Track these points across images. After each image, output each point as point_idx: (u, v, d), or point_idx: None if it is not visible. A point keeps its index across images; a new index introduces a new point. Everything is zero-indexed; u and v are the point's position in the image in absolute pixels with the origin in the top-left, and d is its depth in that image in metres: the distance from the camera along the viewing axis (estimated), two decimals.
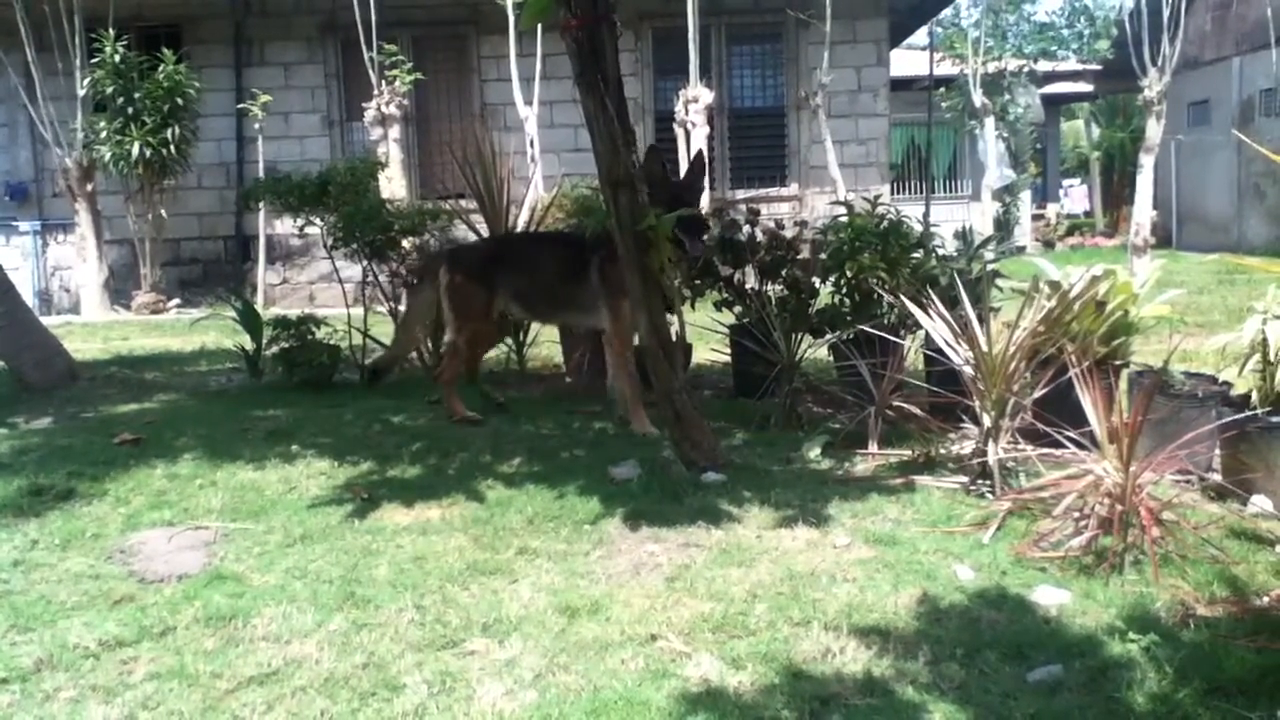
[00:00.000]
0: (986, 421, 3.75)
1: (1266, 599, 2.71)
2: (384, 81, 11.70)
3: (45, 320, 8.06)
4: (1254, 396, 3.67)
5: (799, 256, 5.38)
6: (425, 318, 5.49)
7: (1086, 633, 2.55)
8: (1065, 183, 26.31)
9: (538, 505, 3.65)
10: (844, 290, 5.17)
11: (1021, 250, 16.05)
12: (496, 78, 12.68)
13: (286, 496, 3.87)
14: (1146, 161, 11.67)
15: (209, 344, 8.22)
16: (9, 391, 6.01)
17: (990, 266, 5.04)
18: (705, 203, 5.59)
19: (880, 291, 4.89)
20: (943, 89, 18.39)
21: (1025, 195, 19.07)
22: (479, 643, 2.58)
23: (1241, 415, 3.60)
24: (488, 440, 4.65)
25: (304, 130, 13.00)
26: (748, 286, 5.48)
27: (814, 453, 4.26)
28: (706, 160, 4.83)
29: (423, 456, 4.41)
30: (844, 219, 5.30)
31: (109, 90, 11.36)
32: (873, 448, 4.30)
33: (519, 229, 6.60)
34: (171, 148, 11.47)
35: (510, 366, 6.47)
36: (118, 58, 11.29)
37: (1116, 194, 23.46)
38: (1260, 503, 3.47)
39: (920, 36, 18.15)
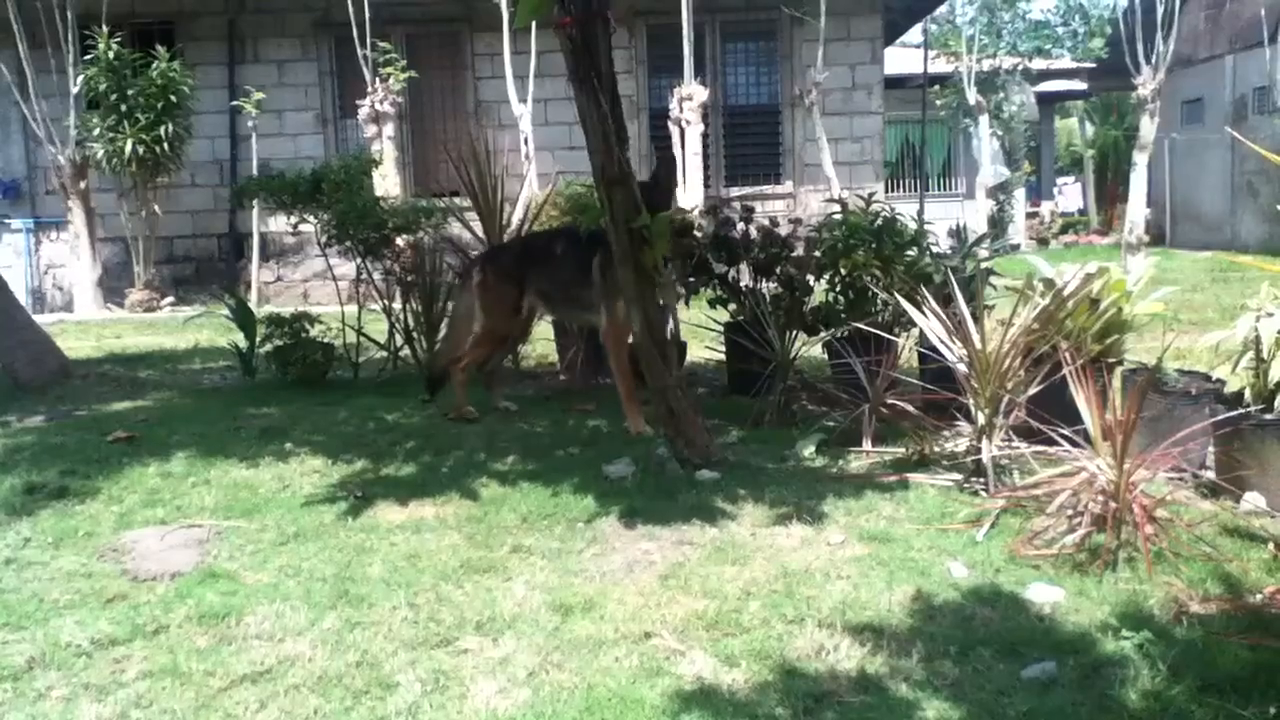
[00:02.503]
0: (980, 419, 3.75)
1: (1260, 596, 2.72)
2: (378, 79, 11.69)
3: (38, 318, 8.04)
4: (1247, 394, 3.67)
5: (793, 254, 5.38)
6: (471, 317, 5.34)
7: (1080, 630, 2.55)
8: (1059, 181, 26.35)
9: (532, 503, 3.65)
10: (838, 288, 5.18)
11: (1016, 248, 16.07)
12: (491, 75, 12.67)
13: (280, 495, 3.87)
14: (1140, 159, 11.72)
15: (202, 342, 8.21)
16: (1, 389, 5.99)
17: (984, 264, 5.05)
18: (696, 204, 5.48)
19: (874, 289, 4.90)
20: (937, 87, 18.41)
21: (1019, 193, 19.11)
22: (472, 641, 2.58)
23: (1235, 413, 3.60)
24: (482, 438, 4.64)
25: (298, 128, 12.98)
26: (742, 284, 5.48)
27: (808, 450, 4.26)
28: (676, 161, 4.67)
29: (416, 455, 4.40)
30: (838, 216, 5.30)
31: (102, 87, 11.32)
32: (867, 445, 4.30)
33: (514, 227, 6.59)
34: (165, 145, 11.44)
35: (504, 365, 6.46)
36: (111, 55, 11.26)
37: (1110, 192, 23.49)
38: (1254, 500, 3.47)
39: (915, 34, 18.18)
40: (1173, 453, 3.33)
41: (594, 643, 2.54)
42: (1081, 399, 3.36)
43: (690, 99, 11.59)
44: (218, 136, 12.92)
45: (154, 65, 11.38)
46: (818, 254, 5.22)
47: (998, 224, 16.98)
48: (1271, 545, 3.08)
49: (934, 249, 5.25)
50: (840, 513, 3.47)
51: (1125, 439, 3.10)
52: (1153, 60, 11.49)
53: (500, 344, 5.42)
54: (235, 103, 12.43)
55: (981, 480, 3.69)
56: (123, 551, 3.28)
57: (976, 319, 3.86)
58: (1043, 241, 19.38)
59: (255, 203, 7.99)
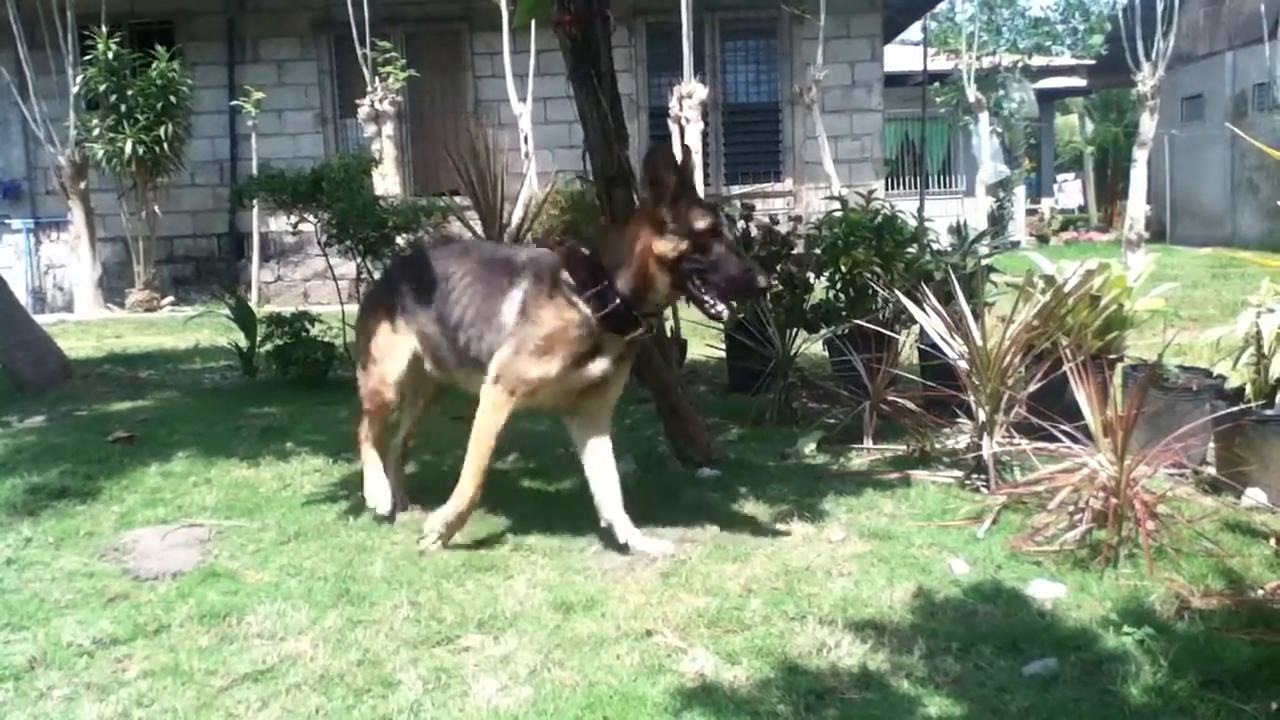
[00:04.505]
0: (981, 416, 3.75)
1: (1261, 591, 2.71)
2: (377, 78, 11.69)
3: (39, 318, 8.04)
4: (1248, 390, 3.67)
5: (794, 252, 5.38)
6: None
7: (1081, 626, 2.55)
8: (1059, 177, 26.35)
9: (533, 501, 3.65)
10: (839, 285, 5.18)
11: (1016, 245, 16.04)
12: (490, 74, 12.67)
13: (281, 494, 3.87)
14: (1140, 156, 11.72)
15: (203, 342, 8.21)
16: (2, 390, 5.99)
17: (984, 261, 5.04)
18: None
19: (875, 286, 4.90)
20: (937, 84, 18.40)
21: (1019, 190, 19.10)
22: (474, 639, 2.57)
23: (1236, 409, 3.60)
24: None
25: (297, 127, 12.98)
26: None
27: (809, 448, 4.26)
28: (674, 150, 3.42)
29: (417, 454, 4.40)
30: (838, 214, 5.30)
31: (102, 88, 11.34)
32: (868, 442, 4.30)
33: (514, 226, 6.59)
34: (165, 145, 11.46)
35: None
36: (110, 55, 11.27)
37: (1111, 189, 23.49)
38: (1255, 495, 3.47)
39: (914, 32, 18.17)
40: (1174, 449, 3.33)
41: (595, 640, 2.53)
42: (1082, 395, 3.35)
43: (690, 97, 11.58)
44: (217, 136, 12.93)
45: (153, 65, 11.39)
46: (818, 251, 5.21)
47: (998, 221, 16.98)
48: (1273, 541, 3.08)
49: (934, 246, 5.25)
50: (841, 510, 3.47)
51: (1126, 435, 3.09)
52: (1153, 57, 11.49)
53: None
54: (235, 102, 12.43)
55: (982, 477, 3.69)
56: (124, 551, 3.28)
57: (977, 316, 3.86)
58: (1043, 238, 19.37)
59: (255, 202, 7.97)
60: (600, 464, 3.26)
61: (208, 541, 3.37)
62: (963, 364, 3.85)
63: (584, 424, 3.29)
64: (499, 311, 3.18)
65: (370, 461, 3.58)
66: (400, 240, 6.32)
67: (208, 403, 5.70)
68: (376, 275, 6.42)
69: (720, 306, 3.02)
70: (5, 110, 12.61)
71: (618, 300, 3.03)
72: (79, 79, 11.51)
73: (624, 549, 3.18)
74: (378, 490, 3.52)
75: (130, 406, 5.59)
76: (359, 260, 6.34)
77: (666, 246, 3.00)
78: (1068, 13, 22.35)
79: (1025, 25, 20.95)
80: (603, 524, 3.22)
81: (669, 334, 4.31)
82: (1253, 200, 15.95)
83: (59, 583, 3.03)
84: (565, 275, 3.11)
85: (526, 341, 3.08)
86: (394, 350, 3.50)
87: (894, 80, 16.59)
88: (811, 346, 5.40)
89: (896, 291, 4.56)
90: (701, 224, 3.01)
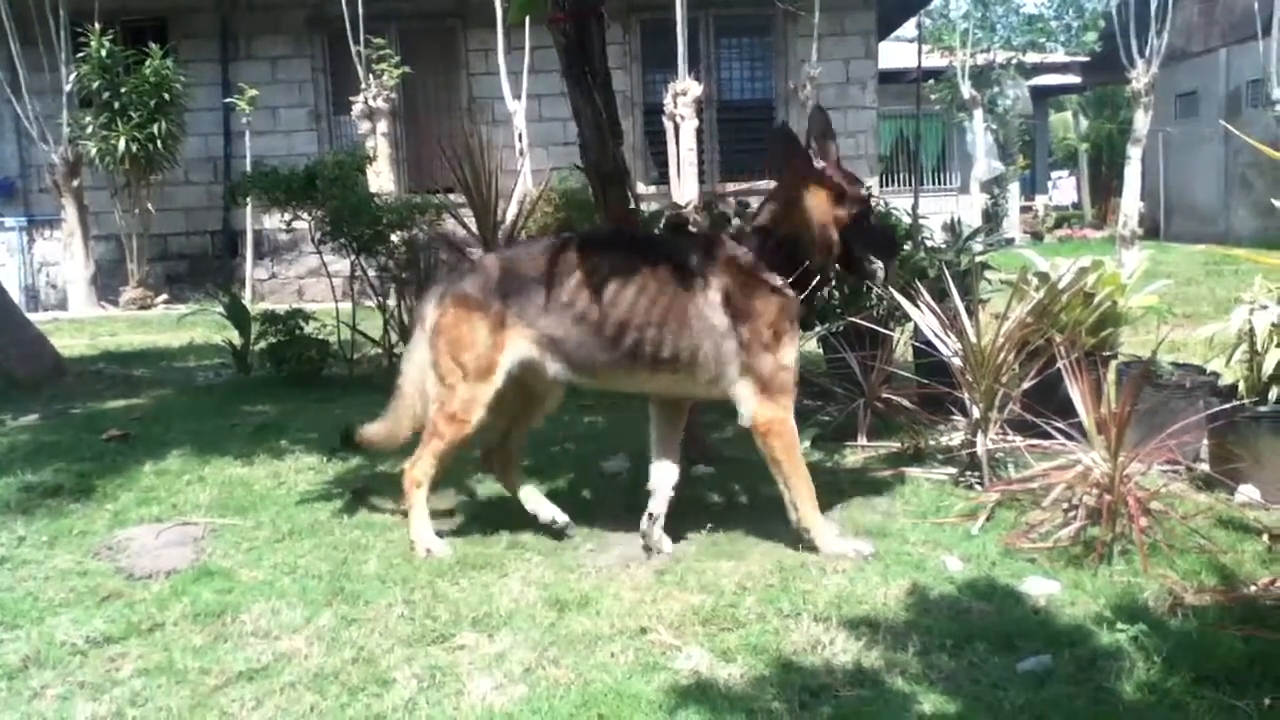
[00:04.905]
0: (975, 413, 3.75)
1: (1254, 587, 2.72)
2: (371, 75, 11.67)
3: (32, 316, 8.03)
4: (1241, 386, 3.68)
5: None
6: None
7: (1075, 623, 2.55)
8: (1053, 175, 26.37)
9: None
10: (833, 282, 5.17)
11: (1010, 242, 16.07)
12: (485, 71, 12.66)
13: (275, 492, 3.86)
14: (1134, 153, 11.72)
15: (197, 339, 8.19)
16: None
17: (979, 258, 5.04)
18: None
19: (869, 283, 4.89)
20: (931, 81, 18.40)
21: (1013, 187, 19.13)
22: (469, 637, 2.57)
23: (1229, 405, 3.61)
24: (477, 434, 4.62)
25: (291, 124, 12.96)
26: None
27: (804, 445, 4.25)
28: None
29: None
30: None
31: (95, 85, 11.32)
32: (862, 440, 4.31)
33: (508, 224, 6.58)
34: (158, 143, 11.44)
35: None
36: (103, 52, 11.25)
37: (1105, 186, 23.51)
38: (1247, 492, 3.48)
39: (909, 29, 18.20)
40: (1167, 445, 3.33)
41: (590, 638, 2.53)
42: (1076, 392, 3.35)
43: (685, 94, 11.58)
44: (211, 133, 12.90)
45: (147, 62, 11.37)
46: None
47: (992, 218, 17.00)
48: (1265, 537, 3.09)
49: (928, 243, 5.24)
50: (835, 507, 3.47)
51: (1120, 432, 3.10)
52: (1147, 54, 11.50)
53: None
54: (229, 100, 12.41)
55: (977, 474, 3.70)
56: (118, 549, 3.28)
57: (971, 313, 3.86)
58: (1037, 235, 19.40)
59: (249, 200, 7.95)
60: (672, 442, 3.28)
61: (202, 540, 3.36)
62: (957, 361, 3.85)
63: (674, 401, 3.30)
64: (693, 310, 3.04)
65: (419, 506, 3.22)
66: (395, 238, 6.32)
67: (202, 401, 5.70)
68: (371, 272, 6.43)
69: (880, 266, 3.16)
70: None
71: (818, 278, 3.09)
72: (72, 76, 11.49)
73: (648, 519, 3.13)
74: (428, 535, 3.19)
75: (124, 404, 5.59)
76: (353, 257, 6.34)
77: (844, 212, 3.05)
78: (1062, 9, 22.40)
79: (1019, 22, 21.01)
80: (649, 486, 3.21)
81: None
82: (1246, 197, 15.96)
83: (53, 581, 3.03)
84: (758, 262, 3.06)
85: (779, 341, 3.04)
86: (498, 360, 3.13)
87: (888, 77, 16.58)
88: (806, 344, 5.39)
89: (891, 289, 4.55)
90: (862, 189, 3.08)
